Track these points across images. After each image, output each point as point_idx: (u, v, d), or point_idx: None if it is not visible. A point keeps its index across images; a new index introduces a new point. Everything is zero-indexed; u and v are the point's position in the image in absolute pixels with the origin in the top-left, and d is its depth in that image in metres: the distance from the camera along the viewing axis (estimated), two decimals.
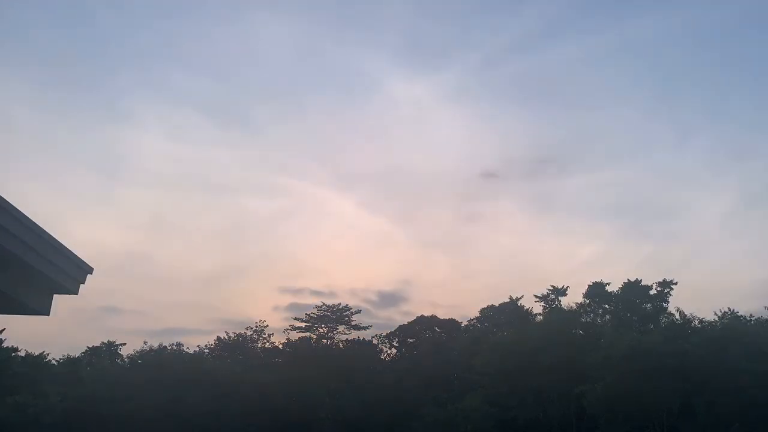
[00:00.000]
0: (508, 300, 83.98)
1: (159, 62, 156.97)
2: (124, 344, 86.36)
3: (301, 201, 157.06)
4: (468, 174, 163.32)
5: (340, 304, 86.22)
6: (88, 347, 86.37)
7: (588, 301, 78.41)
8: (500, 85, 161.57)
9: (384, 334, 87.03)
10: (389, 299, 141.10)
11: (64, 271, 5.90)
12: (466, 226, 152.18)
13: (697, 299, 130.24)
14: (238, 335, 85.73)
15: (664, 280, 76.10)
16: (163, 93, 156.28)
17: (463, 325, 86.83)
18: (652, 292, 75.76)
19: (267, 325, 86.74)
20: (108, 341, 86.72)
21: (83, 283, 6.25)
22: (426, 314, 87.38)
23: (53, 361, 75.58)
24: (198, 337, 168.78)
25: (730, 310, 64.31)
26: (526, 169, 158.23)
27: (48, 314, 6.29)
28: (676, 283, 76.05)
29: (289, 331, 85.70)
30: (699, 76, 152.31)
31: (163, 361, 71.84)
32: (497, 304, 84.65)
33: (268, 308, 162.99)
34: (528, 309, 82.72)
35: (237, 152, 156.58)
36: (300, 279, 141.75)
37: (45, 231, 5.42)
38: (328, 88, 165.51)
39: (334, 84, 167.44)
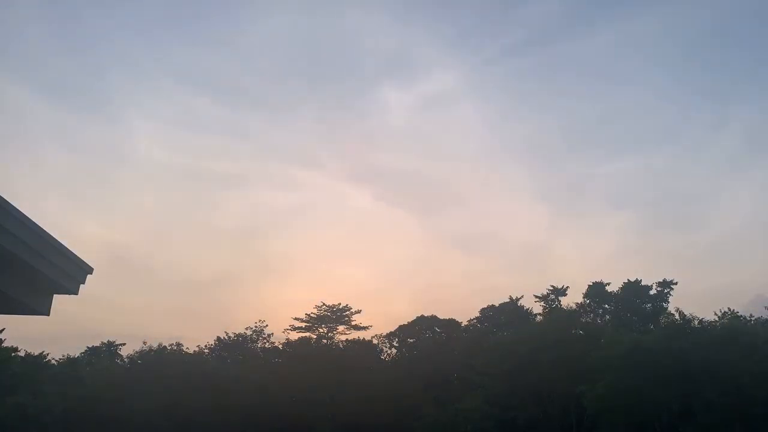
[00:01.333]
0: (508, 300, 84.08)
1: (165, 47, 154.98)
2: (124, 344, 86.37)
3: (312, 194, 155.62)
4: (485, 166, 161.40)
5: (340, 303, 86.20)
6: (88, 347, 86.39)
7: (588, 301, 78.48)
8: (516, 76, 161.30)
9: (384, 334, 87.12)
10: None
11: (64, 271, 5.89)
12: (482, 221, 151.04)
13: (727, 294, 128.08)
14: (238, 335, 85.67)
15: (664, 280, 76.23)
16: (170, 79, 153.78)
17: (463, 325, 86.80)
18: (652, 292, 75.86)
19: (266, 325, 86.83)
20: (108, 341, 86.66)
21: (83, 283, 6.25)
22: (426, 314, 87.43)
23: (53, 361, 75.65)
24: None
25: (730, 310, 64.29)
26: (545, 159, 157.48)
27: (48, 314, 6.28)
28: (676, 283, 76.22)
29: (288, 331, 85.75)
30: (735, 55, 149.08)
31: (163, 362, 71.81)
32: (497, 304, 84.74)
33: (277, 313, 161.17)
34: (528, 309, 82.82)
35: (247, 144, 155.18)
36: (309, 285, 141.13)
37: (45, 231, 5.41)
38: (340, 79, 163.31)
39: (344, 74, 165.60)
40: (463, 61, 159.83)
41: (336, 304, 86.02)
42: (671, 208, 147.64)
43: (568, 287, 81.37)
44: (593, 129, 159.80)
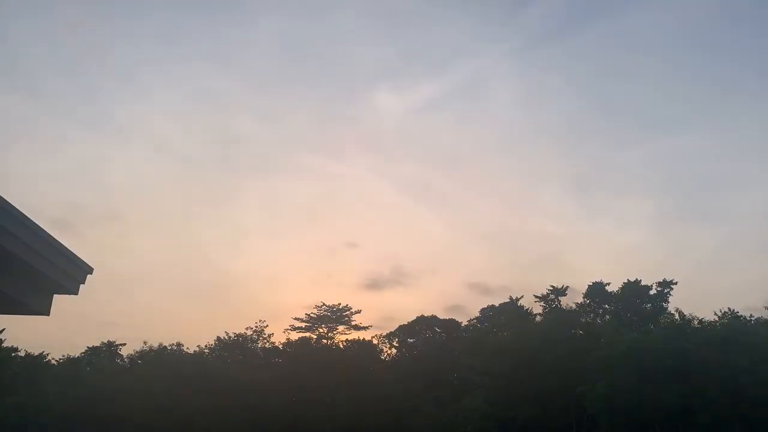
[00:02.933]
0: (508, 300, 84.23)
1: (173, 28, 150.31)
2: (124, 344, 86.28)
3: (329, 183, 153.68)
4: (508, 157, 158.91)
5: (339, 303, 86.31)
6: (88, 347, 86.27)
7: (588, 301, 78.50)
8: (539, 63, 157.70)
9: (384, 334, 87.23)
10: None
11: (64, 271, 5.90)
12: (510, 212, 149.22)
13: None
14: (238, 335, 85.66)
15: (664, 280, 76.27)
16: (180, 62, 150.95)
17: (463, 325, 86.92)
18: (652, 292, 75.88)
19: (267, 325, 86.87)
20: (108, 341, 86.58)
21: (83, 283, 6.25)
22: (426, 314, 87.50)
23: (53, 361, 75.65)
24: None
25: (730, 309, 64.32)
26: (564, 146, 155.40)
27: (48, 314, 6.29)
28: (676, 283, 76.25)
29: (289, 331, 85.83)
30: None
31: (163, 361, 71.86)
32: (497, 304, 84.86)
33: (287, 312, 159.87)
34: (528, 309, 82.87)
35: (250, 141, 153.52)
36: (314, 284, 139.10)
37: (45, 231, 5.42)
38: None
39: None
40: (483, 51, 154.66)
41: (336, 304, 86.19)
42: (696, 198, 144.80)
43: (567, 287, 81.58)
44: (602, 118, 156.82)
